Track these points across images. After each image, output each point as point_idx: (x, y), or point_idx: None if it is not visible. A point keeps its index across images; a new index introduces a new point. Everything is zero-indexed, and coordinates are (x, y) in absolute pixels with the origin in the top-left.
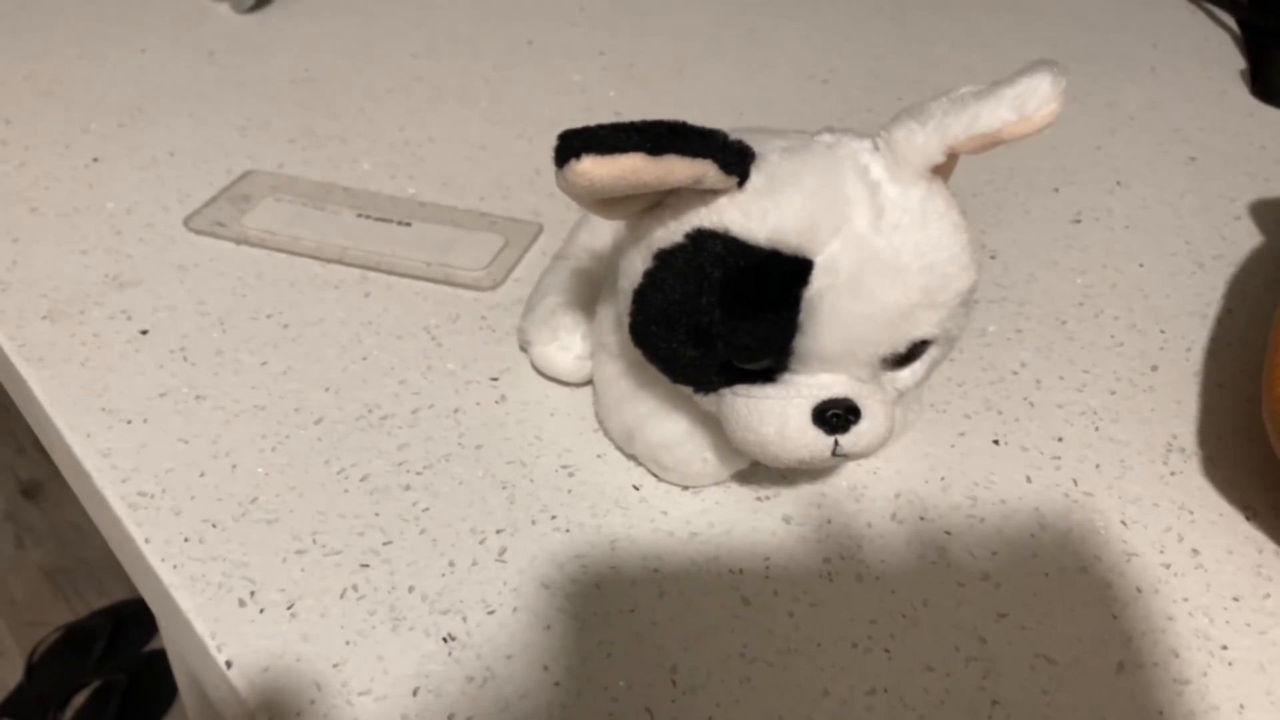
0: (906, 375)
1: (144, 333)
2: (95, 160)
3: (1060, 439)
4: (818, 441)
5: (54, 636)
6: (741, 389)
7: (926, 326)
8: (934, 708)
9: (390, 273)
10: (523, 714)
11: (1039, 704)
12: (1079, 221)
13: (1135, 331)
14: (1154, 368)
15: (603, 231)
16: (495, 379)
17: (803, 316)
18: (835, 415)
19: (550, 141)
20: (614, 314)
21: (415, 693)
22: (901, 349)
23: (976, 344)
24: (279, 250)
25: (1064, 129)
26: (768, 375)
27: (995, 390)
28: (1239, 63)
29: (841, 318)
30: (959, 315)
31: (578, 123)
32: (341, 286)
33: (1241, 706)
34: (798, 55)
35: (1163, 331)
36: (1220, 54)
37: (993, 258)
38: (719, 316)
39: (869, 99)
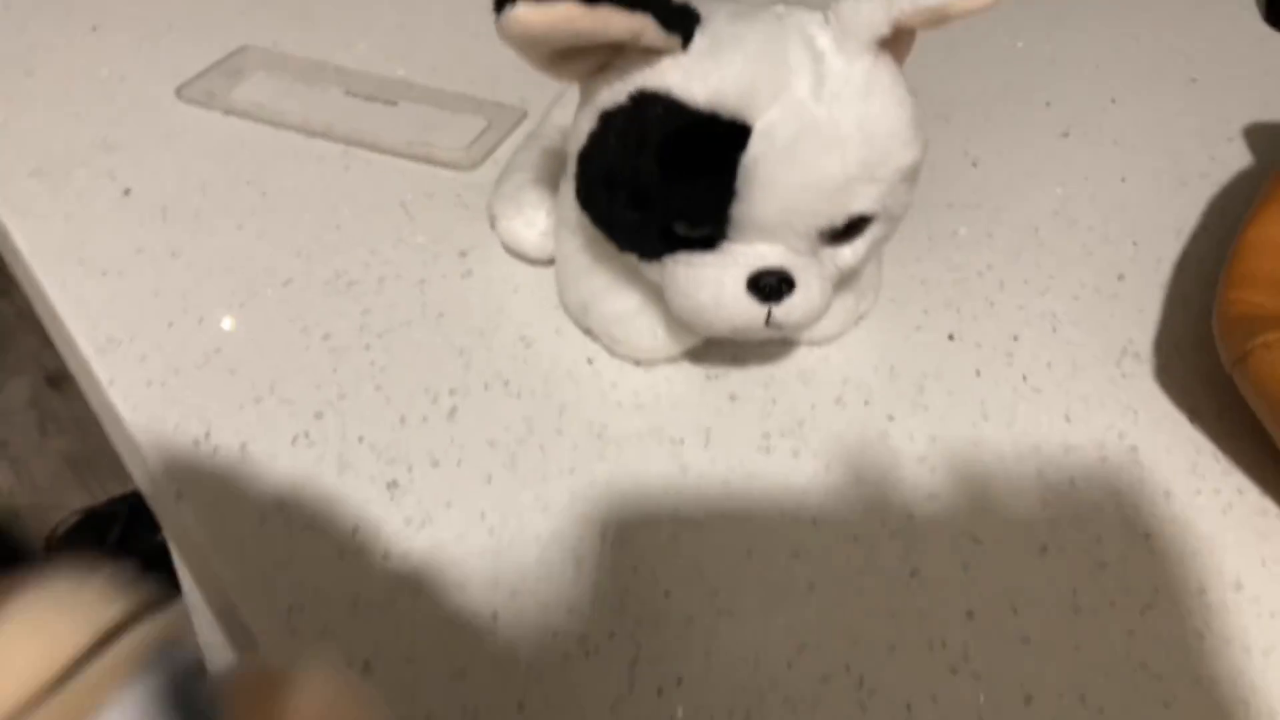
0: (847, 253)
1: (127, 193)
2: (94, 29)
3: (1016, 338)
4: (751, 310)
5: (72, 520)
6: (683, 257)
7: (865, 201)
8: (854, 574)
9: (373, 149)
10: (457, 555)
11: (958, 578)
12: (1067, 135)
13: (1107, 243)
14: (1120, 277)
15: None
16: (464, 253)
17: (740, 183)
18: (769, 284)
19: None
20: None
21: (354, 531)
22: (839, 223)
23: (946, 245)
24: (265, 122)
25: (1063, 44)
26: (708, 243)
27: (958, 289)
28: None
29: (778, 186)
30: (900, 192)
31: None
32: (323, 160)
33: (1156, 590)
34: None
35: (1135, 244)
36: None
37: (974, 165)
38: (657, 178)
39: None
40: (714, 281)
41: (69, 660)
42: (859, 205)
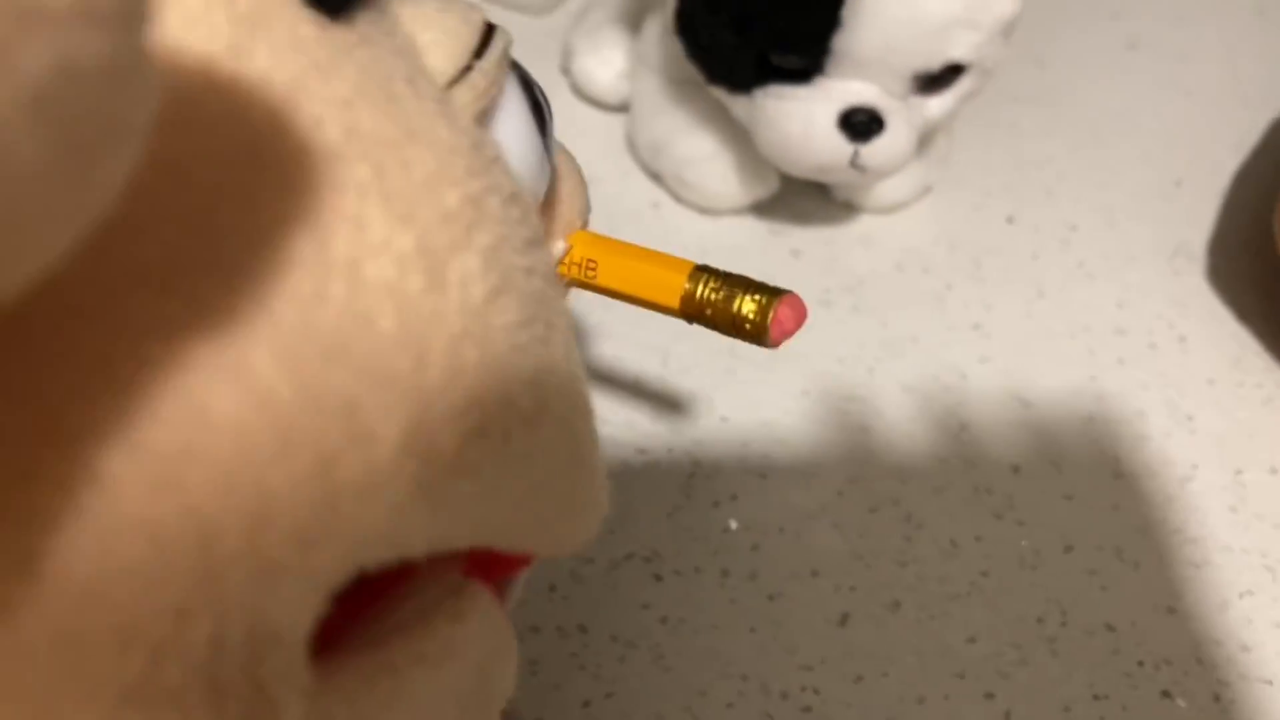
0: (935, 104)
1: None
2: None
3: (1074, 227)
4: (839, 147)
5: None
6: (774, 89)
7: (963, 48)
8: (905, 422)
9: None
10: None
11: (1006, 434)
12: (1133, 49)
13: (1167, 149)
14: (1178, 183)
15: None
16: None
17: (845, 11)
18: (860, 121)
19: None
20: (659, 28)
21: None
22: (936, 67)
23: (1006, 135)
24: None
25: None
26: (802, 76)
27: (1019, 176)
28: None
29: (883, 18)
30: (996, 44)
31: None
32: None
33: (1195, 465)
34: None
35: (1194, 154)
36: None
37: (1039, 66)
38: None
39: None
40: (804, 115)
41: (476, 39)
42: (957, 51)
